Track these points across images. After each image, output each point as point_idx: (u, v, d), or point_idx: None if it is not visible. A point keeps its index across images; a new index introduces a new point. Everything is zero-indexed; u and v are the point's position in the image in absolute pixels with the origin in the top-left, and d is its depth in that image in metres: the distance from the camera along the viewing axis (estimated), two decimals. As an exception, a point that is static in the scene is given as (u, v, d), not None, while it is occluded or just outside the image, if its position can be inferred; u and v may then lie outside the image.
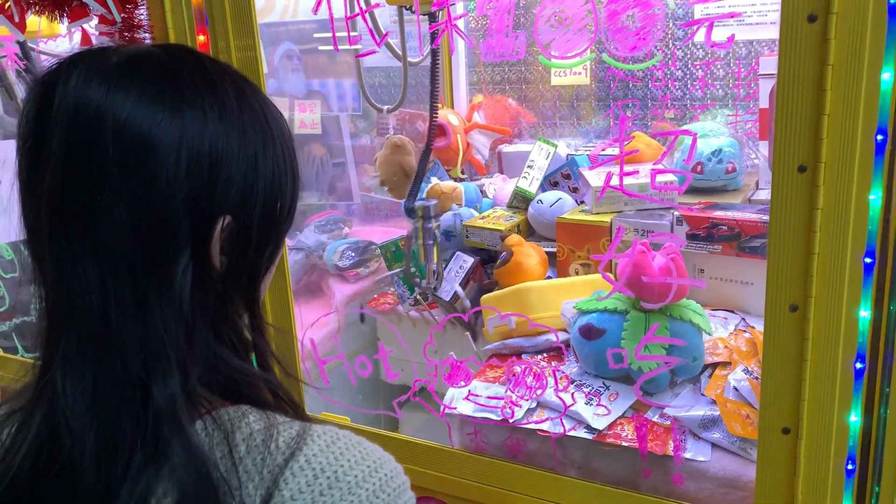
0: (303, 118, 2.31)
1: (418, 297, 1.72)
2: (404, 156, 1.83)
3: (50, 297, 0.65)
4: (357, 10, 1.20)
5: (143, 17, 1.41)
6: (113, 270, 0.63)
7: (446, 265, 1.72)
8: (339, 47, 1.35)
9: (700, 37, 1.78)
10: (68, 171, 0.62)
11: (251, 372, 0.71)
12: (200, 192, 0.65)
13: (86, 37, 1.52)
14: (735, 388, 1.23)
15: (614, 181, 1.11)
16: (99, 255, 0.62)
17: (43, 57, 1.92)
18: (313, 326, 1.77)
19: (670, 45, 1.85)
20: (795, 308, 1.01)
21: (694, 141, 1.09)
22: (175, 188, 0.63)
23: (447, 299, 1.65)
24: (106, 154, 0.61)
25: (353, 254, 1.93)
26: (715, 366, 1.31)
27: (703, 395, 1.26)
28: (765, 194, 1.70)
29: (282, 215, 0.73)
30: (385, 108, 1.85)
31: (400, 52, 1.77)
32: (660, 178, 1.58)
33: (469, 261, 1.68)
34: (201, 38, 1.40)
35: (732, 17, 1.37)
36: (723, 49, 1.73)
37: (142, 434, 0.62)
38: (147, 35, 1.42)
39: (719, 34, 1.51)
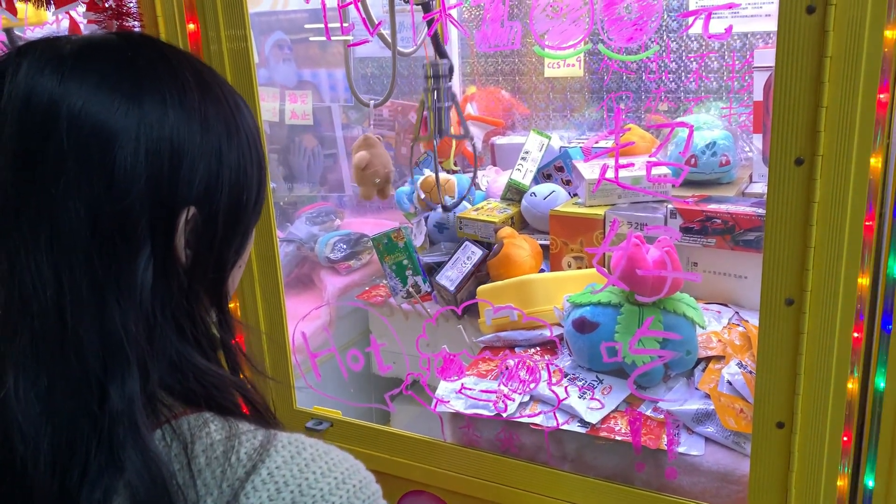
0: (294, 109, 2.29)
1: (410, 289, 1.71)
2: (370, 149, 1.81)
3: (2, 294, 0.61)
4: (349, -2, 1.19)
5: (132, 4, 1.39)
6: (69, 266, 0.59)
7: (453, 254, 1.70)
8: (332, 37, 1.33)
9: (697, 29, 1.78)
10: (21, 164, 0.59)
11: (216, 373, 0.68)
12: (161, 183, 0.62)
13: (73, 24, 1.50)
14: (729, 382, 1.22)
15: (609, 174, 1.10)
16: (55, 250, 0.59)
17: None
18: (305, 319, 1.75)
19: (664, 36, 1.84)
20: (791, 302, 1.00)
21: (690, 133, 1.08)
22: (134, 179, 0.60)
23: (451, 289, 1.63)
24: (61, 145, 0.59)
25: (345, 246, 1.91)
26: (709, 360, 1.31)
27: (696, 388, 1.26)
28: (759, 187, 1.69)
29: (248, 206, 0.71)
30: (371, 101, 1.82)
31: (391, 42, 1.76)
32: (655, 171, 1.57)
33: (477, 252, 1.66)
34: (191, 26, 1.38)
35: (730, 7, 1.36)
36: (720, 40, 1.72)
37: (97, 438, 0.59)
38: (136, 23, 1.40)
39: (717, 26, 1.51)
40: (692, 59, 1.83)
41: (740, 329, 1.38)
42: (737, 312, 1.45)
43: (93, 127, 0.59)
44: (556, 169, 1.85)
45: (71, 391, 0.59)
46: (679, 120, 1.81)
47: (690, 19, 1.03)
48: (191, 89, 0.65)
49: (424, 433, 1.39)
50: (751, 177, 1.75)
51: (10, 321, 0.61)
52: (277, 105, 2.31)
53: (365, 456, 1.46)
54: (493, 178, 1.98)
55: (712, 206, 1.47)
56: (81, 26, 1.49)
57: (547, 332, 1.40)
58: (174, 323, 0.65)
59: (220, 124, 0.67)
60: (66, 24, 1.50)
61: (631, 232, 1.19)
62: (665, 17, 1.82)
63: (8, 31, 1.81)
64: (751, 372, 1.23)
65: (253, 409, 0.70)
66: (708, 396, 1.22)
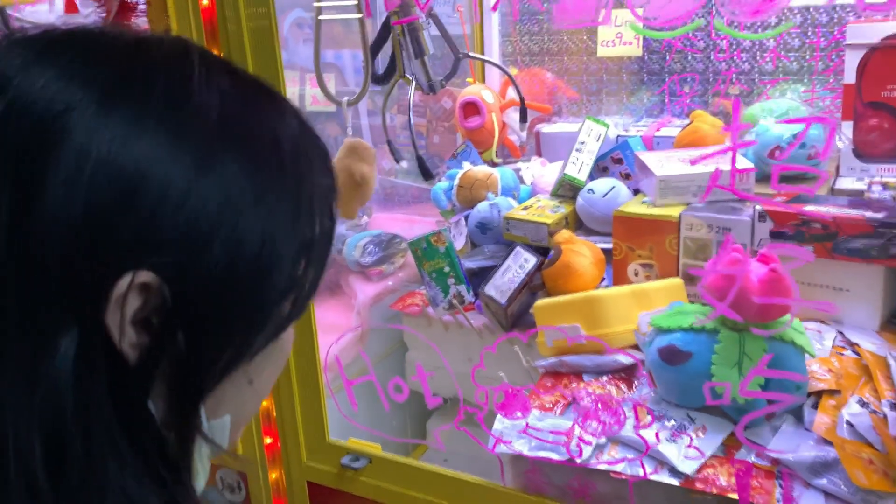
0: (315, 94, 2.09)
1: (453, 300, 1.51)
2: (357, 162, 1.51)
3: None
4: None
5: (135, -23, 1.19)
6: None
7: (503, 262, 1.49)
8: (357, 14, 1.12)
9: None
10: None
11: None
12: (103, 222, 0.42)
13: (70, 3, 1.30)
14: (850, 424, 1.03)
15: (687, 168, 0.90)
16: None
17: (24, 25, 1.70)
18: (327, 337, 1.56)
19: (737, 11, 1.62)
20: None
21: (831, 133, 0.88)
22: (64, 208, 0.41)
23: (503, 303, 1.42)
24: None
25: (377, 248, 1.71)
26: (819, 394, 1.11)
27: (807, 430, 1.06)
28: (847, 182, 1.49)
29: (268, 294, 0.48)
30: (345, 99, 1.52)
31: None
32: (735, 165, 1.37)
33: (532, 261, 1.44)
34: (205, 1, 1.17)
35: None
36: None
37: None
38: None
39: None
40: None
41: (851, 355, 1.18)
42: (840, 333, 1.25)
43: (36, 125, 0.41)
44: (613, 161, 1.65)
45: None
46: (754, 105, 1.60)
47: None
48: (201, 99, 0.46)
49: (470, 471, 1.21)
50: (837, 170, 1.54)
51: None
52: (297, 89, 2.12)
53: (408, 499, 1.28)
54: (538, 171, 1.78)
55: (810, 208, 1.26)
56: (78, 3, 1.29)
57: (623, 359, 1.21)
58: (112, 448, 0.43)
59: (244, 158, 0.47)
60: (61, 2, 1.30)
61: (730, 241, 0.99)
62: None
63: (0, 11, 1.61)
64: (878, 413, 1.03)
65: None
66: (824, 441, 1.02)
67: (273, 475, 1.41)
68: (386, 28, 1.60)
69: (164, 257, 0.43)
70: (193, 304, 0.45)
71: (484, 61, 1.92)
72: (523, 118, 1.77)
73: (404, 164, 1.74)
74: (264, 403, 1.35)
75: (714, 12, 1.64)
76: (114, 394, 0.43)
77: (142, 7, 1.20)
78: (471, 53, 1.87)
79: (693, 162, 1.39)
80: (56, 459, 0.41)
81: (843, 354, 1.19)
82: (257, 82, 0.52)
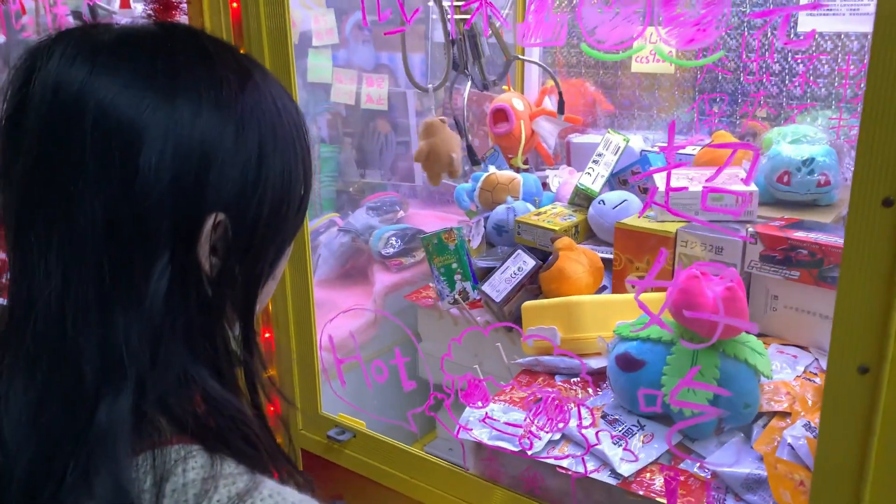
0: (370, 92, 2.20)
1: (457, 296, 1.59)
2: (445, 141, 1.69)
3: (12, 293, 0.59)
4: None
5: (178, -22, 1.33)
6: (78, 269, 0.56)
7: (503, 262, 1.57)
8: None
9: (808, 26, 1.56)
10: (42, 157, 0.57)
11: (223, 398, 0.62)
12: (186, 187, 0.57)
13: (124, 0, 1.46)
14: (790, 446, 1.04)
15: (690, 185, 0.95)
16: (66, 251, 0.56)
17: (111, 17, 1.88)
18: (352, 318, 1.67)
19: (769, 34, 1.63)
20: (865, 370, 0.82)
21: (755, 159, 0.91)
22: (157, 181, 0.56)
23: (497, 301, 1.50)
24: (84, 140, 0.55)
25: (399, 241, 1.81)
26: (773, 415, 1.13)
27: (752, 448, 1.08)
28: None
29: (288, 215, 0.66)
30: (430, 86, 1.71)
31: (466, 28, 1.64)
32: (743, 187, 1.39)
33: (530, 263, 1.52)
34: (234, 4, 1.30)
35: (815, 7, 1.16)
36: (801, 46, 1.50)
37: (76, 458, 0.55)
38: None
39: (819, 25, 1.29)
40: (799, 62, 1.61)
41: (816, 382, 1.19)
42: (816, 360, 1.26)
43: (119, 123, 0.55)
44: (633, 174, 1.68)
45: (62, 404, 0.56)
46: (777, 128, 1.60)
47: (777, 18, 0.85)
48: (231, 89, 0.60)
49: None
50: (856, 199, 1.53)
51: (13, 324, 0.59)
52: (354, 88, 2.23)
53: (383, 473, 1.37)
54: (565, 180, 1.83)
55: (799, 234, 1.27)
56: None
57: (593, 363, 1.26)
58: (186, 338, 0.61)
59: (265, 128, 0.62)
60: (117, 2, 1.47)
61: (663, 254, 1.03)
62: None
63: (92, 9, 1.80)
64: (817, 436, 1.04)
65: (249, 443, 0.63)
66: (763, 460, 1.04)
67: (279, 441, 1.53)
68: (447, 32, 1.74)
69: (228, 199, 0.60)
70: (247, 230, 0.62)
71: (533, 63, 2.00)
72: (561, 110, 1.85)
73: (483, 165, 1.87)
74: (271, 372, 1.47)
75: (746, 34, 1.65)
76: (197, 302, 0.60)
77: (183, 6, 1.34)
78: (521, 56, 1.96)
79: (708, 180, 1.42)
80: (153, 343, 0.58)
81: (811, 380, 1.20)
82: (251, 59, 0.66)
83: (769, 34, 1.65)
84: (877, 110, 0.75)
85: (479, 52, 1.72)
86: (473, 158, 1.86)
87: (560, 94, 1.88)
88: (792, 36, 1.57)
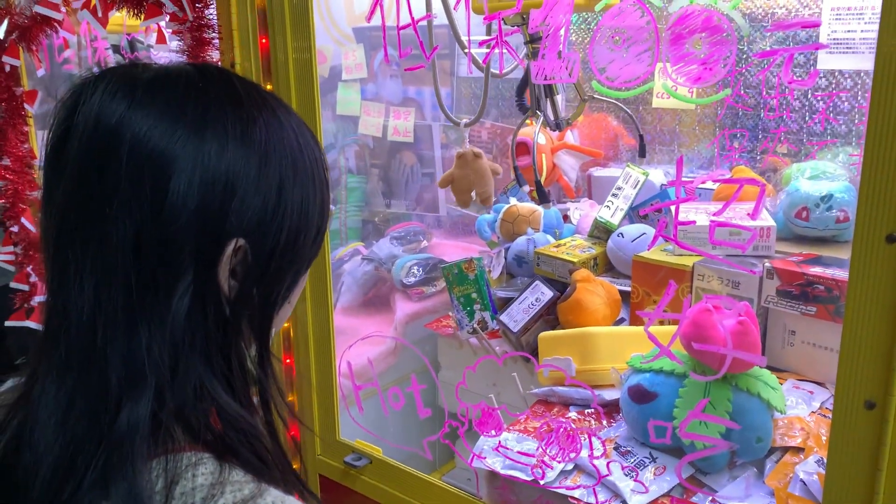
0: (396, 125, 2.25)
1: (476, 325, 1.61)
2: (472, 172, 1.72)
3: (49, 305, 0.65)
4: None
5: (212, 16, 1.39)
6: (108, 285, 0.61)
7: (521, 293, 1.59)
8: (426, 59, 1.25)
9: (828, 64, 1.57)
10: (81, 181, 0.62)
11: (235, 411, 0.66)
12: (210, 214, 0.62)
13: (160, 35, 1.52)
14: (802, 482, 1.04)
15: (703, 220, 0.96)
16: (98, 269, 0.61)
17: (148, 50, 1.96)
18: (370, 344, 1.70)
19: (773, 74, 1.64)
20: (872, 405, 0.83)
21: (761, 194, 0.92)
22: (184, 207, 0.61)
23: (515, 331, 1.52)
24: (119, 167, 0.60)
25: (421, 271, 1.84)
26: (786, 450, 1.12)
27: (764, 483, 1.08)
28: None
29: (305, 244, 0.70)
30: (462, 121, 1.75)
31: (482, 63, 1.67)
32: (757, 222, 1.40)
33: (547, 294, 1.54)
34: (263, 40, 1.35)
35: (817, 48, 1.17)
36: (803, 87, 1.51)
37: (96, 459, 0.59)
38: (215, 35, 1.39)
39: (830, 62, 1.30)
40: (819, 99, 1.62)
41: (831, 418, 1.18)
42: (832, 396, 1.25)
43: (151, 153, 0.60)
44: (653, 209, 1.70)
45: (88, 407, 0.61)
46: (797, 164, 1.61)
47: (783, 57, 0.87)
48: (256, 125, 0.65)
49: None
50: (877, 236, 1.52)
51: (49, 334, 0.63)
52: (382, 120, 2.28)
53: (397, 499, 1.38)
54: (586, 212, 1.85)
55: (816, 270, 1.28)
56: (166, 34, 1.51)
57: (607, 395, 1.26)
58: (204, 354, 0.64)
59: (286, 161, 0.67)
60: (154, 36, 1.53)
61: (672, 287, 1.04)
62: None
63: (132, 43, 1.88)
64: (831, 474, 1.04)
65: (259, 457, 0.66)
66: (774, 495, 1.04)
67: (294, 466, 1.55)
68: (528, 72, 1.74)
69: (249, 226, 0.64)
70: (266, 256, 0.66)
71: (610, 101, 1.96)
72: (642, 153, 1.81)
73: (550, 205, 1.85)
74: (290, 398, 1.50)
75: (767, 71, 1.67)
76: (215, 321, 0.64)
77: (215, 42, 1.40)
78: (597, 96, 1.95)
79: (716, 214, 1.43)
80: (173, 356, 0.62)
81: (826, 416, 1.19)
82: (277, 98, 0.71)
83: (773, 74, 1.67)
84: (879, 148, 0.77)
85: (554, 90, 1.73)
86: (542, 196, 1.82)
87: (641, 136, 1.78)
88: (798, 76, 1.58)
